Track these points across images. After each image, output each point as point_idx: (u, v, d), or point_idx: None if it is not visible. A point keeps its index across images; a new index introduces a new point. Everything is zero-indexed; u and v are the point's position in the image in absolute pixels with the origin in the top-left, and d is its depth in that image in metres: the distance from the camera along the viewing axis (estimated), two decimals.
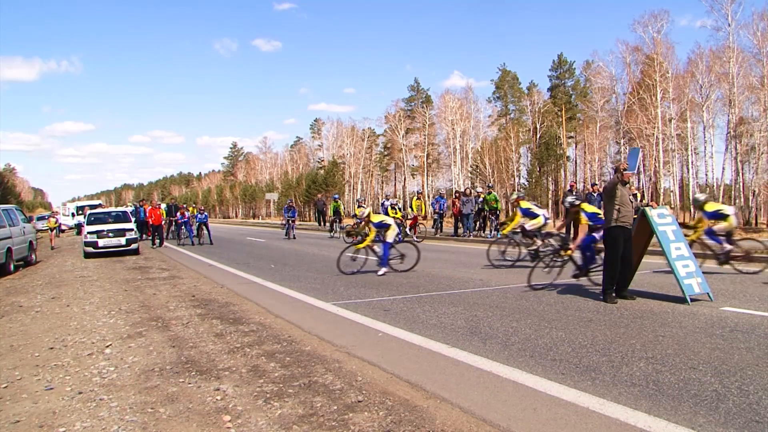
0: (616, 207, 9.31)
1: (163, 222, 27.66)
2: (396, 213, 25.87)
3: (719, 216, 11.94)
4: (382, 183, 77.15)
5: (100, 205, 47.86)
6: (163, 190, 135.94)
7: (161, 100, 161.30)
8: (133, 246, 21.87)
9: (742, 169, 42.89)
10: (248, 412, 4.62)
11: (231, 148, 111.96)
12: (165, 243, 26.51)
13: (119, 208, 31.73)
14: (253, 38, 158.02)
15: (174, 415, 4.59)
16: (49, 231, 30.37)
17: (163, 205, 30.37)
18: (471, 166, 63.29)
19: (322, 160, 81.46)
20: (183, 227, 27.17)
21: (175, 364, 6.08)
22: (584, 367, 5.66)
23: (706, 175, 45.99)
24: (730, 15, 41.94)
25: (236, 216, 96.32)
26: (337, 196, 33.56)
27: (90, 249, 21.28)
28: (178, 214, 27.84)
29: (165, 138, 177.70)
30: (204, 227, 26.74)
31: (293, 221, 30.01)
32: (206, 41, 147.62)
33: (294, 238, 27.94)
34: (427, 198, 55.30)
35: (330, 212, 30.21)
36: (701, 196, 12.68)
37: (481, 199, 25.15)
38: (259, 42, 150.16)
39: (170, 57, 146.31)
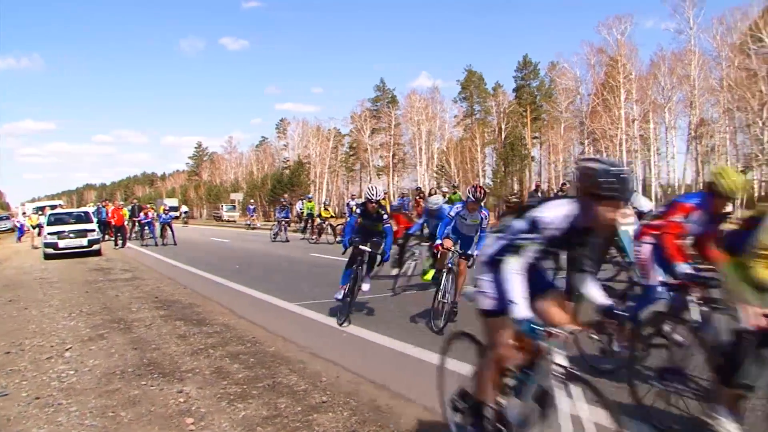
0: None
1: (125, 222, 27.25)
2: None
3: None
4: (348, 183, 76.83)
5: (60, 206, 46.87)
6: (127, 190, 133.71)
7: (125, 99, 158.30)
8: (95, 247, 21.49)
9: (703, 169, 43.75)
10: (211, 414, 4.58)
11: (196, 147, 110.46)
12: (128, 244, 26.11)
13: (81, 209, 31.17)
14: (220, 36, 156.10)
15: (135, 418, 4.53)
16: (31, 228, 29.78)
17: (127, 207, 29.78)
18: (436, 166, 63.52)
19: (288, 160, 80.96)
20: (146, 228, 26.77)
21: (137, 366, 6.00)
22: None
23: (668, 175, 46.90)
24: (692, 19, 42.89)
25: (201, 216, 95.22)
26: (310, 196, 33.18)
27: (50, 250, 20.84)
28: (141, 214, 27.42)
29: (129, 137, 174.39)
30: (168, 228, 26.37)
31: (287, 222, 28.58)
32: (172, 39, 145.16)
33: (287, 240, 26.44)
34: (392, 198, 55.37)
35: (303, 213, 29.59)
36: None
37: (446, 199, 25.25)
38: (226, 40, 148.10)
39: (135, 55, 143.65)
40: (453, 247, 7.91)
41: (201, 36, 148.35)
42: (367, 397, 4.91)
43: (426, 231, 10.77)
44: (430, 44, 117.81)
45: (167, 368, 5.89)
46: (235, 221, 46.61)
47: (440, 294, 7.72)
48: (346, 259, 8.55)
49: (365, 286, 8.53)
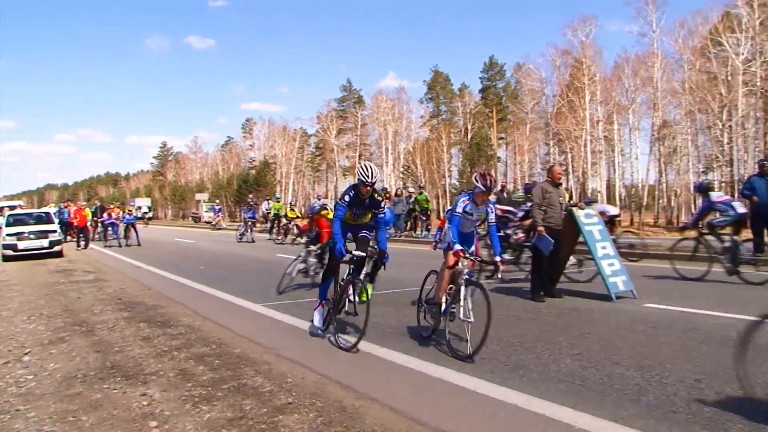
0: (543, 208, 9.54)
1: (88, 223, 26.81)
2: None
3: None
4: (314, 183, 76.61)
5: (19, 206, 45.86)
6: (90, 191, 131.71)
7: (88, 98, 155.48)
8: (57, 248, 21.08)
9: (665, 170, 44.53)
10: (176, 416, 4.52)
11: (161, 147, 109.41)
12: (90, 245, 25.70)
13: (42, 209, 30.57)
14: (186, 35, 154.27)
15: (97, 422, 4.45)
16: None
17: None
18: (403, 167, 63.66)
19: (254, 161, 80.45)
20: (110, 228, 26.38)
21: (99, 369, 5.89)
22: (513, 364, 5.78)
23: (632, 176, 47.57)
24: (655, 22, 43.56)
25: (165, 217, 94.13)
26: (278, 196, 33.01)
27: (9, 252, 20.38)
28: (105, 215, 27.01)
29: (92, 137, 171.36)
30: (132, 228, 26.04)
31: (253, 223, 28.47)
32: (137, 38, 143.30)
33: (253, 241, 26.56)
34: None
35: (270, 213, 29.41)
36: None
37: (412, 199, 25.40)
38: (193, 39, 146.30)
39: (98, 54, 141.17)
40: (466, 255, 6.62)
41: (167, 35, 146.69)
42: (332, 398, 4.89)
43: None
44: (396, 45, 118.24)
45: (130, 371, 5.80)
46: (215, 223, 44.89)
47: (462, 311, 6.28)
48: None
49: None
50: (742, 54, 37.43)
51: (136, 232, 26.09)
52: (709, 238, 11.44)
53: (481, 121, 60.93)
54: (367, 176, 6.68)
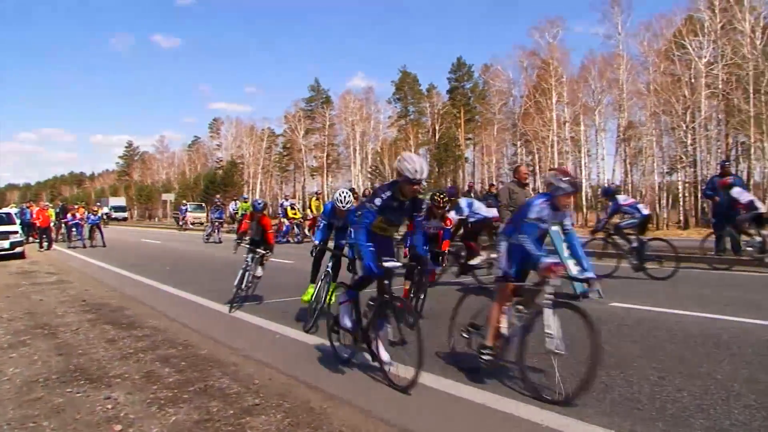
0: (511, 209, 9.61)
1: (51, 224, 26.33)
2: (295, 213, 25.79)
3: None
4: (282, 183, 76.20)
5: None
6: (53, 191, 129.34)
7: (51, 96, 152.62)
8: (18, 249, 20.63)
9: (631, 170, 45.18)
10: (141, 420, 4.46)
11: (126, 147, 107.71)
12: (54, 246, 25.24)
13: (2, 210, 29.92)
14: (152, 33, 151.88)
15: (59, 427, 4.36)
16: None
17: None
18: (371, 167, 63.67)
19: (221, 161, 79.84)
20: (73, 229, 25.94)
21: (62, 373, 5.78)
22: (475, 364, 5.79)
23: (598, 176, 48.17)
24: (620, 24, 44.17)
25: (131, 217, 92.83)
26: (245, 196, 32.86)
27: None
28: (69, 215, 26.56)
29: (55, 136, 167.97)
30: (97, 229, 25.66)
31: (220, 223, 28.34)
32: (101, 36, 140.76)
33: (220, 241, 26.20)
34: (326, 198, 55.17)
35: (238, 214, 29.24)
36: None
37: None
38: (158, 38, 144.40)
39: (61, 51, 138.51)
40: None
41: (132, 32, 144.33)
42: (300, 399, 4.88)
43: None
44: (365, 45, 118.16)
45: (94, 374, 5.71)
46: (202, 223, 42.46)
47: (552, 342, 4.97)
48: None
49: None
50: (705, 57, 38.17)
51: (101, 232, 25.72)
52: (616, 237, 12.19)
53: (449, 121, 61.19)
54: (415, 171, 5.23)
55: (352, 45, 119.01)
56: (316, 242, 8.30)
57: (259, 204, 10.28)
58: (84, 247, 24.63)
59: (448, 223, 9.38)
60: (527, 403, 4.70)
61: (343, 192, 7.90)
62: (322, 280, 7.99)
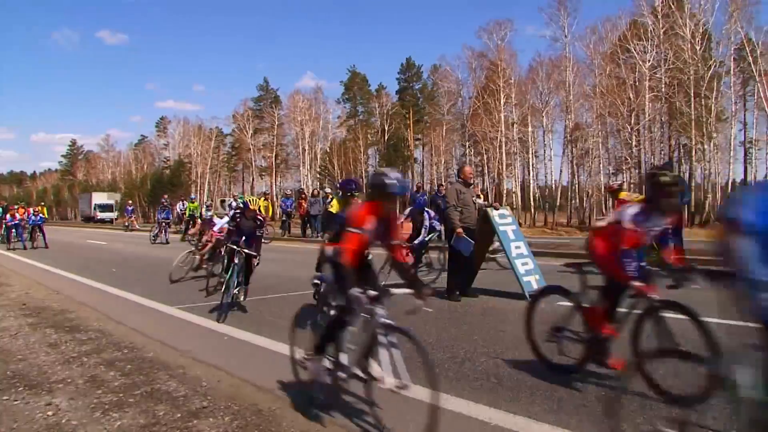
0: (459, 209, 9.68)
1: None
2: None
3: None
4: (230, 183, 75.39)
5: None
6: None
7: None
8: None
9: (578, 171, 46.08)
10: (84, 426, 4.34)
11: (70, 145, 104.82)
12: None
13: None
14: (97, 30, 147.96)
15: None
16: None
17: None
18: (320, 167, 63.50)
19: (168, 160, 78.53)
20: (14, 230, 25.15)
21: None
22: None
23: (546, 176, 49.03)
24: (566, 27, 45.08)
25: (75, 218, 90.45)
26: (193, 197, 32.40)
27: None
28: (8, 216, 25.74)
29: None
30: (38, 230, 24.95)
31: (167, 224, 27.82)
32: (43, 31, 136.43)
33: (167, 242, 25.71)
34: (276, 199, 54.74)
35: (185, 214, 28.75)
36: None
37: (329, 199, 25.39)
38: (104, 34, 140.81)
39: (0, 46, 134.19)
40: None
41: (76, 28, 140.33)
42: (248, 401, 4.82)
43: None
44: (314, 45, 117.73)
45: (34, 380, 5.53)
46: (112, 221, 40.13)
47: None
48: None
49: None
50: (648, 61, 39.26)
51: (42, 233, 25.02)
52: None
53: (398, 121, 61.38)
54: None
55: (301, 45, 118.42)
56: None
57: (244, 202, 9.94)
58: (25, 248, 23.92)
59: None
60: (477, 402, 4.75)
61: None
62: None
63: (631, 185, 40.81)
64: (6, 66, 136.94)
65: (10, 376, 5.65)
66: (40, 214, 26.81)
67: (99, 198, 69.65)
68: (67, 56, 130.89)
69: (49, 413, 4.61)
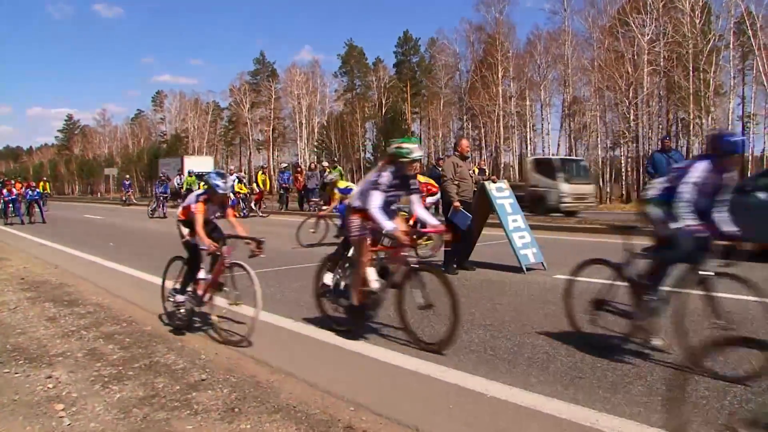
0: (456, 182, 9.67)
1: None
2: (241, 188, 25.55)
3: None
4: (227, 157, 75.26)
5: None
6: None
7: None
8: None
9: (575, 145, 46.07)
10: (84, 398, 4.38)
11: (66, 120, 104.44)
12: None
13: None
14: (93, 2, 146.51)
15: None
16: None
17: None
18: (317, 141, 63.37)
19: (165, 134, 78.33)
20: (11, 205, 25.14)
21: None
22: (427, 337, 5.86)
23: (543, 150, 48.93)
24: (566, 1, 44.67)
25: (73, 193, 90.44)
26: (192, 170, 32.37)
27: None
28: (5, 191, 25.71)
29: None
30: (36, 205, 24.93)
31: (165, 198, 27.65)
32: (36, 3, 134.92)
33: (165, 216, 25.60)
34: (273, 173, 54.62)
35: (183, 188, 28.71)
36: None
37: (326, 173, 25.39)
38: (99, 7, 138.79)
39: None
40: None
41: (70, 1, 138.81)
42: (246, 373, 4.87)
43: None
44: (312, 18, 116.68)
45: (34, 353, 5.57)
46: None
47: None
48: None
49: None
50: (647, 35, 39.00)
51: (40, 208, 25.03)
52: None
53: (396, 95, 61.19)
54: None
55: (298, 18, 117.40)
56: None
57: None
58: (22, 223, 23.94)
59: None
60: (473, 373, 4.80)
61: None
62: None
63: (629, 159, 40.82)
64: (0, 40, 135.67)
65: (9, 350, 5.69)
66: (38, 190, 26.79)
67: (192, 162, 44.92)
68: (62, 29, 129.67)
69: (50, 386, 4.65)
